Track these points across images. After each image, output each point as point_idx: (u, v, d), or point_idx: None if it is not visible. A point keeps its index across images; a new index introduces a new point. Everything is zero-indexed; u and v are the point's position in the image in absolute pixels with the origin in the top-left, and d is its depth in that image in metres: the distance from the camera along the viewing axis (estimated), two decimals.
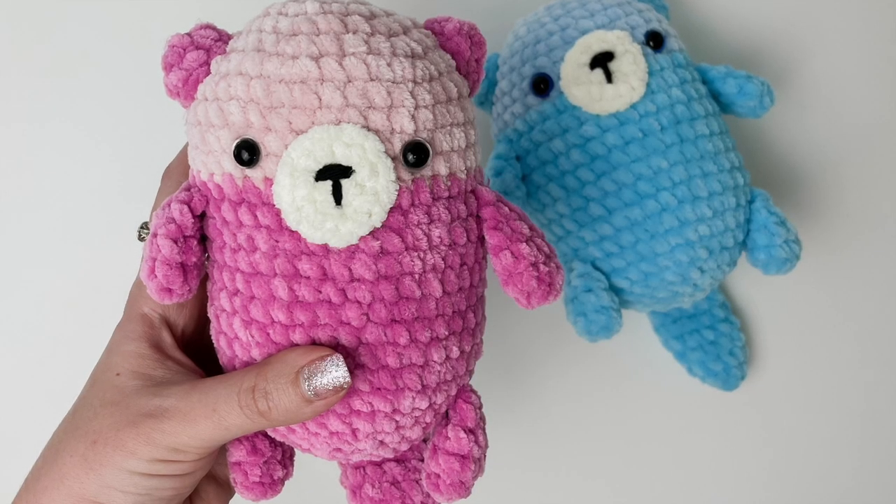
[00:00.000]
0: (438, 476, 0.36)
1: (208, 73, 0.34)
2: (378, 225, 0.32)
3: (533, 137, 0.48)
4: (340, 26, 0.33)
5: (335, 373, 0.32)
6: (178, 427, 0.33)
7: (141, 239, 0.39)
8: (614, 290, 0.48)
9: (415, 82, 0.33)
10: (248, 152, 0.32)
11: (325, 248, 0.33)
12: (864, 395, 0.60)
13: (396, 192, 0.33)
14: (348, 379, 0.32)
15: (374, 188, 0.32)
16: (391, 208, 0.33)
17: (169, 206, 0.34)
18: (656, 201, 0.46)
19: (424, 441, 0.39)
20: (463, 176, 0.35)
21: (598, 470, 0.59)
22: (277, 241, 0.33)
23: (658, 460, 0.59)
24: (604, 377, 0.58)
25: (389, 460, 0.39)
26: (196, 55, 0.34)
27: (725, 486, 0.59)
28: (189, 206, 0.34)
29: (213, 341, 0.36)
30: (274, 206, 0.32)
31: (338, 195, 0.32)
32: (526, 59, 0.49)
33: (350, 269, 0.33)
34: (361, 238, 0.32)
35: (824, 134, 0.59)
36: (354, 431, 0.34)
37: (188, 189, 0.35)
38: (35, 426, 0.42)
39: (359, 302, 0.33)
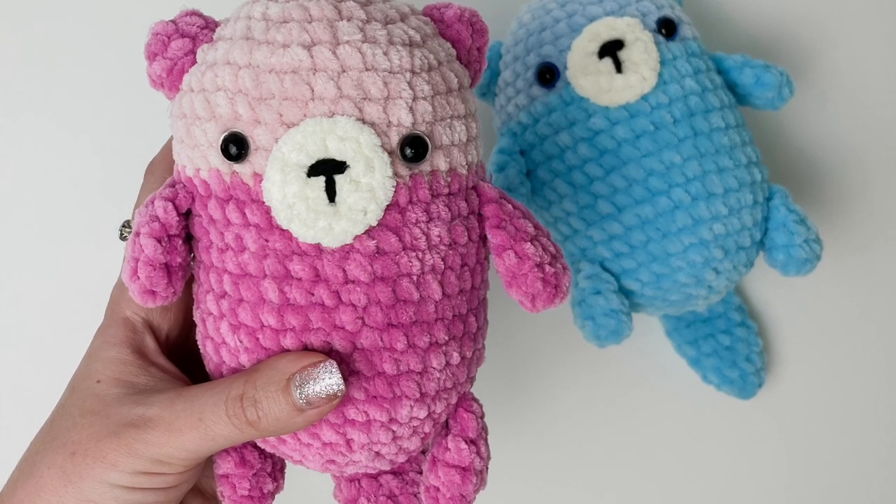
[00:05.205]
0: (438, 489, 0.36)
1: (194, 62, 0.34)
2: (374, 223, 0.33)
3: (538, 131, 0.48)
4: (334, 13, 0.33)
5: (328, 380, 0.32)
6: (162, 437, 0.33)
7: (123, 238, 0.39)
8: (624, 292, 0.49)
9: (413, 72, 0.33)
10: (236, 146, 0.32)
11: (318, 248, 0.33)
12: (888, 402, 0.60)
13: (393, 189, 0.33)
14: (342, 386, 0.32)
15: (370, 184, 0.32)
16: (388, 206, 0.33)
17: (152, 203, 0.34)
18: (669, 198, 0.46)
19: (423, 452, 0.39)
20: (464, 171, 0.35)
21: (607, 483, 0.59)
22: (267, 241, 0.33)
23: (670, 472, 0.59)
24: (613, 384, 0.58)
25: (386, 473, 0.39)
26: (181, 43, 0.34)
27: (742, 500, 0.59)
28: (174, 204, 0.34)
29: (200, 346, 0.36)
30: (263, 203, 0.32)
31: (331, 192, 0.32)
32: (530, 47, 0.49)
33: (344, 270, 0.33)
34: (356, 237, 0.32)
35: (846, 127, 0.59)
36: (349, 442, 0.34)
37: (173, 185, 0.35)
38: (11, 436, 0.42)
39: (353, 305, 0.33)
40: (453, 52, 0.36)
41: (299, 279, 0.33)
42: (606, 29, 0.46)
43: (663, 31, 0.48)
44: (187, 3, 0.36)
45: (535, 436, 0.58)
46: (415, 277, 0.33)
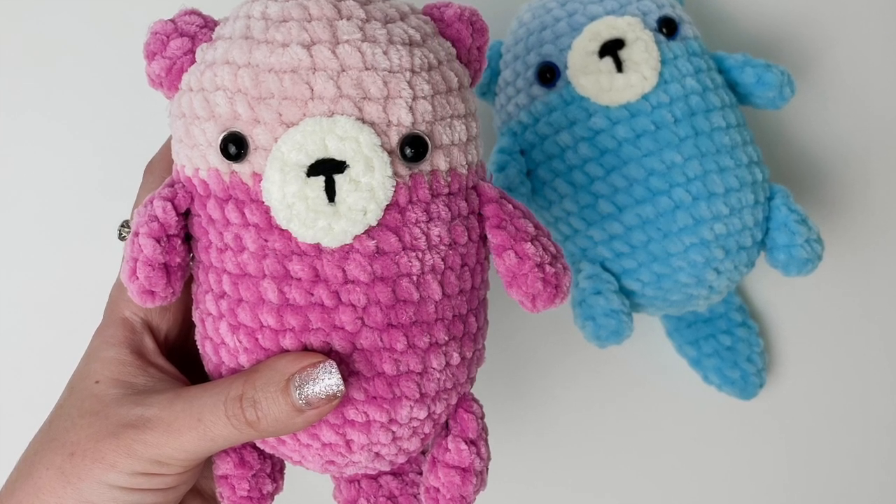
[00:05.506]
0: (438, 490, 0.36)
1: (193, 61, 0.34)
2: (373, 223, 0.32)
3: (538, 130, 0.48)
4: (333, 12, 0.33)
5: (328, 380, 0.32)
6: (161, 438, 0.33)
7: (122, 238, 0.39)
8: (625, 292, 0.48)
9: (412, 71, 0.33)
10: (235, 146, 0.32)
11: (318, 248, 0.32)
12: (890, 402, 0.60)
13: (393, 189, 0.32)
14: (342, 387, 0.32)
15: (370, 184, 0.32)
16: (387, 206, 0.33)
17: (151, 203, 0.34)
18: (669, 198, 0.46)
19: (423, 453, 0.39)
20: (464, 171, 0.35)
21: (607, 484, 0.59)
22: (266, 241, 0.33)
23: (671, 473, 0.59)
24: (613, 385, 0.58)
25: (386, 474, 0.39)
26: (180, 43, 0.34)
27: (743, 500, 0.59)
28: (173, 204, 0.34)
29: (199, 347, 0.36)
30: (263, 203, 0.32)
31: (331, 191, 0.32)
32: (531, 46, 0.49)
33: (344, 271, 0.33)
34: (356, 237, 0.32)
35: (848, 126, 0.59)
36: (348, 443, 0.34)
37: (172, 185, 0.35)
38: (10, 437, 0.42)
39: (353, 305, 0.33)
40: (453, 51, 0.36)
41: (299, 279, 0.33)
42: (607, 28, 0.46)
43: (664, 30, 0.47)
44: (186, 2, 0.36)
45: (535, 436, 0.58)
46: (415, 277, 0.33)
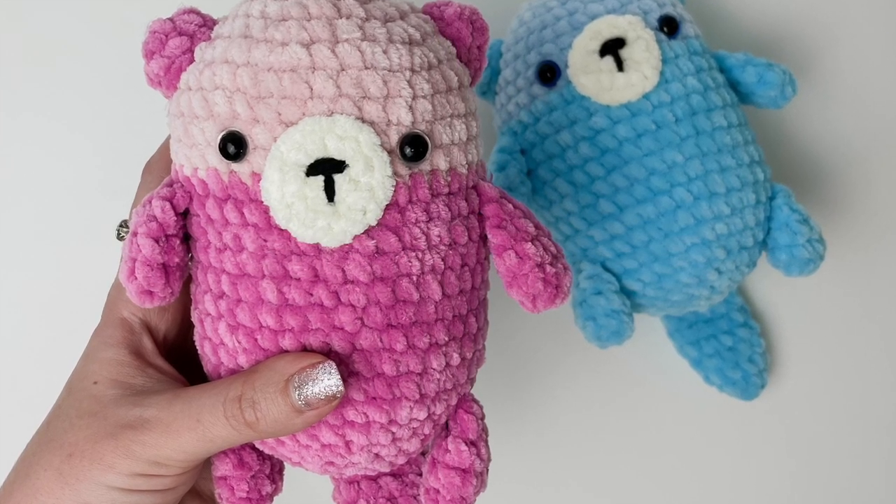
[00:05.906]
0: (438, 491, 0.36)
1: (192, 60, 0.34)
2: (373, 223, 0.32)
3: (539, 129, 0.48)
4: (333, 11, 0.33)
5: (327, 381, 0.32)
6: (160, 439, 0.33)
7: (120, 238, 0.39)
8: (626, 292, 0.48)
9: (412, 71, 0.33)
10: (234, 145, 0.32)
11: (317, 248, 0.32)
12: (891, 403, 0.60)
13: (393, 188, 0.32)
14: (341, 387, 0.32)
15: (369, 184, 0.32)
16: (387, 205, 0.32)
17: (150, 202, 0.34)
18: (670, 198, 0.45)
19: (423, 454, 0.39)
20: (464, 171, 0.35)
21: (608, 485, 0.58)
22: (266, 241, 0.33)
23: (671, 474, 0.59)
24: (614, 386, 0.58)
25: (385, 475, 0.39)
26: (179, 42, 0.34)
27: (744, 501, 0.59)
28: (171, 203, 0.34)
29: (197, 347, 0.36)
30: (262, 202, 0.32)
31: (330, 191, 0.32)
32: (531, 45, 0.49)
33: (343, 271, 0.32)
34: (355, 237, 0.32)
35: (850, 126, 0.58)
36: (348, 444, 0.34)
37: (170, 185, 0.35)
38: (7, 438, 0.42)
39: (353, 305, 0.33)
40: (453, 50, 0.36)
41: (298, 279, 0.32)
42: (608, 27, 0.46)
43: (665, 29, 0.47)
44: (185, 1, 0.36)
45: (535, 436, 0.58)
46: (414, 278, 0.33)
